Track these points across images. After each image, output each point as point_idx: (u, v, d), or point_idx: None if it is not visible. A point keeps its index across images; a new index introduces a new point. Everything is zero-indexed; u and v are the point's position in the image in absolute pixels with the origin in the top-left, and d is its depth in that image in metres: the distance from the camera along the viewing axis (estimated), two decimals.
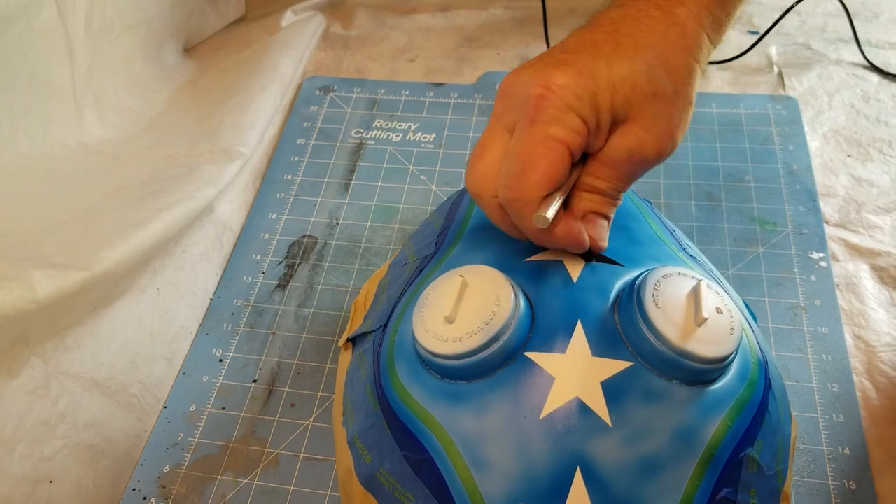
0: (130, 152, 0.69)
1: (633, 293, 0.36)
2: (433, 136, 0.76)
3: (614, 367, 0.34)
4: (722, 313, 0.35)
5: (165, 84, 0.78)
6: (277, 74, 0.78)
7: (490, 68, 0.83)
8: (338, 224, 0.69)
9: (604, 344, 0.35)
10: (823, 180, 0.67)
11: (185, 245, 0.64)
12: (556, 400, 0.34)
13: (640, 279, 0.36)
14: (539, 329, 0.36)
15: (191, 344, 0.61)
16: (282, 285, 0.65)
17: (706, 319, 0.34)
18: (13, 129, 0.61)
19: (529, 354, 0.35)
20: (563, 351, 0.35)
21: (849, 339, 0.57)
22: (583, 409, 0.33)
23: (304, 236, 0.68)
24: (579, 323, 0.35)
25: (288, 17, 0.88)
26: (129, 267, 0.57)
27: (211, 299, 0.64)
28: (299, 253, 0.67)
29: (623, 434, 0.33)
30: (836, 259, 0.62)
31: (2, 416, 0.50)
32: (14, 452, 0.50)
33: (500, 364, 0.35)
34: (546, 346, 0.35)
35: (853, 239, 0.63)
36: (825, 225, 0.64)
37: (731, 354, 0.34)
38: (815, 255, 0.62)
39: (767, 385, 0.37)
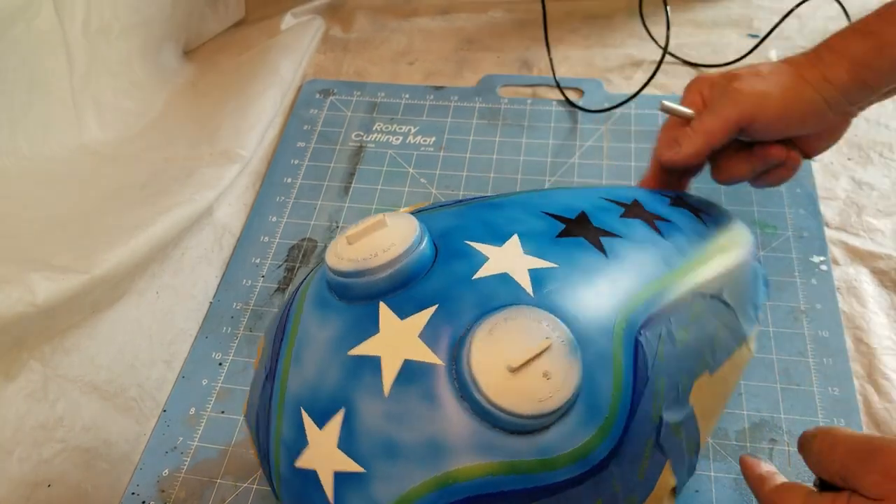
0: (129, 154, 0.69)
1: (485, 313, 0.36)
2: (433, 139, 0.75)
3: (425, 356, 0.35)
4: (548, 379, 0.34)
5: (164, 86, 0.78)
6: (277, 77, 0.78)
7: (490, 71, 0.83)
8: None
9: (437, 336, 0.36)
10: (824, 183, 0.67)
11: (185, 248, 0.64)
12: (365, 349, 0.36)
13: (506, 306, 0.37)
14: (409, 292, 0.38)
15: (190, 347, 0.61)
16: (281, 288, 0.64)
17: (516, 370, 0.34)
18: (12, 130, 0.61)
19: (381, 305, 0.37)
20: (402, 318, 0.37)
21: (849, 343, 0.57)
22: (375, 368, 0.36)
23: (303, 239, 0.68)
24: (435, 307, 0.37)
25: (287, 20, 0.88)
26: (129, 270, 0.56)
27: (210, 302, 0.64)
28: (299, 256, 0.67)
29: (390, 408, 0.35)
30: (836, 262, 0.62)
31: (0, 419, 0.50)
32: (12, 455, 0.49)
33: (360, 298, 0.38)
34: (397, 307, 0.37)
35: (854, 242, 0.63)
36: (826, 228, 0.64)
37: (520, 415, 0.33)
38: (816, 259, 0.62)
39: (576, 481, 0.35)
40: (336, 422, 0.36)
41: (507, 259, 0.39)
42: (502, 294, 0.38)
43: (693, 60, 0.81)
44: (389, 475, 0.34)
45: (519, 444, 0.34)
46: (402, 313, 0.37)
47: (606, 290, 0.40)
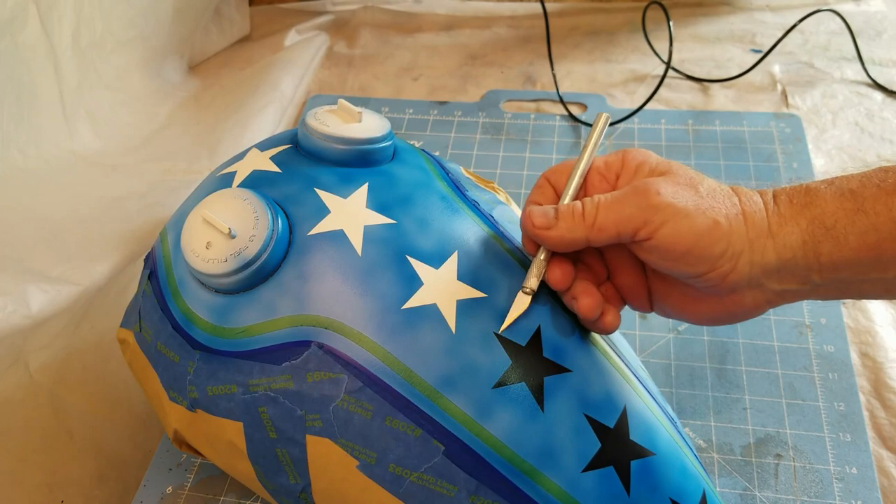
0: (127, 165, 0.69)
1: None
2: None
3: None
4: (232, 237, 0.39)
5: (167, 100, 0.79)
6: (277, 94, 0.79)
7: (494, 86, 0.83)
8: None
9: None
10: None
11: None
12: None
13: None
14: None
15: None
16: None
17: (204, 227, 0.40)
18: (5, 142, 0.62)
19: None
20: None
21: (855, 358, 0.57)
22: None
23: None
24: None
25: (292, 37, 0.89)
26: (124, 283, 0.57)
27: None
28: None
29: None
30: None
31: (9, 438, 0.50)
32: (24, 475, 0.50)
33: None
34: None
35: None
36: None
37: (198, 271, 0.39)
38: None
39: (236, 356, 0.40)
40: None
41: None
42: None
43: (696, 75, 0.81)
44: None
45: (215, 303, 0.40)
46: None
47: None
